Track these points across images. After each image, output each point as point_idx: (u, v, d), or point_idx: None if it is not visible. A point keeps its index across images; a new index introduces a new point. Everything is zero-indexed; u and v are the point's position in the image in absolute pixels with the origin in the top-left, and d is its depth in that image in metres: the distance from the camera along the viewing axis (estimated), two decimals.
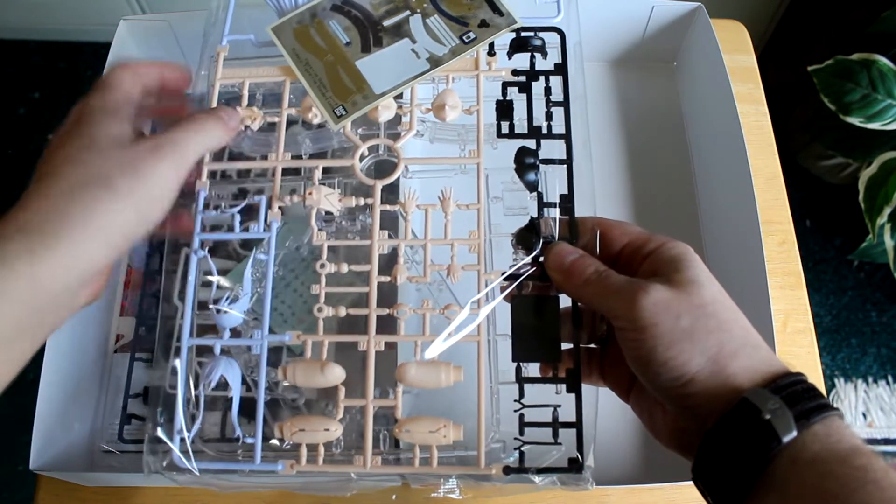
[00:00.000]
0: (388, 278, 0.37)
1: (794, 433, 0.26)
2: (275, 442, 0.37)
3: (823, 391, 0.54)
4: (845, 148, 1.15)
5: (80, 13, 1.46)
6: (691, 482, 0.30)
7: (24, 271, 0.27)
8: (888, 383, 1.28)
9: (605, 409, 0.36)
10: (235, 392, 0.38)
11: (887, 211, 1.01)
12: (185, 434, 0.36)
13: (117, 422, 0.51)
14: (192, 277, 0.38)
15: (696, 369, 0.29)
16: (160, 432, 0.37)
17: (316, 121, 0.40)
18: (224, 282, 0.39)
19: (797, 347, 0.56)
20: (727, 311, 0.30)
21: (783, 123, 1.31)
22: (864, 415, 1.25)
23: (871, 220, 1.03)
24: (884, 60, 1.01)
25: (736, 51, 0.67)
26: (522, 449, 0.35)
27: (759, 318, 0.49)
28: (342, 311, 0.37)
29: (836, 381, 1.28)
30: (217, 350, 0.38)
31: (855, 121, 1.02)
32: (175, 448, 0.36)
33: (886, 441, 1.24)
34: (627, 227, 0.35)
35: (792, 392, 0.28)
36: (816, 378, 0.55)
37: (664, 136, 0.64)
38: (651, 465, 0.51)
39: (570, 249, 0.35)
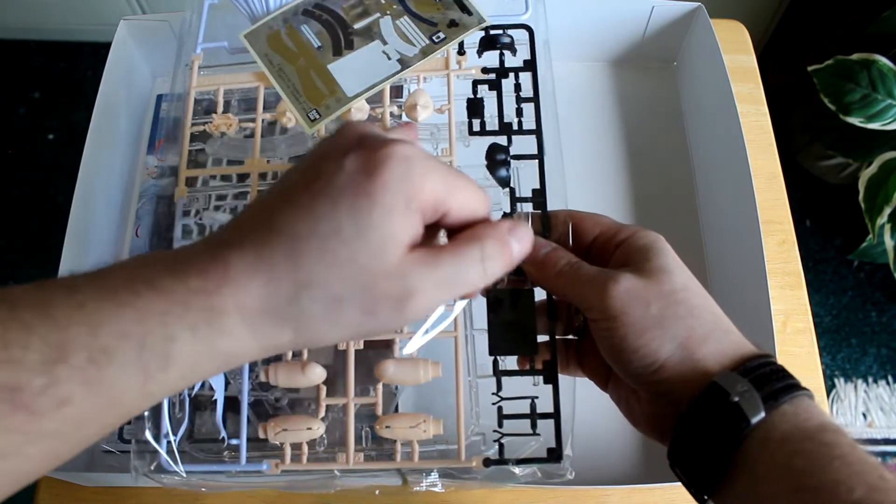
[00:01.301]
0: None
1: (762, 414, 0.27)
2: (262, 438, 0.37)
3: (824, 391, 0.55)
4: (845, 148, 1.15)
5: (80, 13, 1.46)
6: None
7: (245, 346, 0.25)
8: (888, 383, 1.28)
9: (605, 408, 0.36)
10: (219, 394, 0.38)
11: (887, 211, 1.01)
12: (172, 437, 0.37)
13: None
14: None
15: (666, 355, 0.29)
16: (148, 435, 0.37)
17: (290, 125, 0.41)
18: None
19: (797, 347, 0.56)
20: (697, 297, 0.30)
21: (783, 123, 1.30)
22: (864, 415, 1.25)
23: (871, 220, 1.03)
24: (884, 60, 1.01)
25: (736, 51, 0.67)
26: (502, 441, 0.36)
27: (759, 318, 0.49)
28: None
29: (836, 381, 1.28)
30: None
31: (855, 121, 1.02)
32: (162, 451, 0.36)
33: (886, 441, 1.24)
34: (599, 218, 0.35)
35: (760, 374, 0.28)
36: (816, 378, 0.55)
37: (664, 136, 0.64)
38: (651, 465, 0.51)
39: (542, 243, 0.35)
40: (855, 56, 1.03)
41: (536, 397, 0.35)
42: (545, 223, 0.37)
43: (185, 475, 0.37)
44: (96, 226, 0.56)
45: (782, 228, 0.60)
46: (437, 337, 0.36)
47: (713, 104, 0.59)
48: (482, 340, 0.36)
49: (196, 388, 0.37)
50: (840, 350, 1.30)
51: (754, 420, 0.27)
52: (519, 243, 0.29)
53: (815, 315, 0.64)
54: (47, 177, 1.42)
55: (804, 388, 0.28)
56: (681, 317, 0.29)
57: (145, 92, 0.65)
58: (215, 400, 0.38)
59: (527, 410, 0.35)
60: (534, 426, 0.35)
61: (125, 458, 0.50)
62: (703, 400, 0.28)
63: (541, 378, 0.35)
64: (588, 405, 0.36)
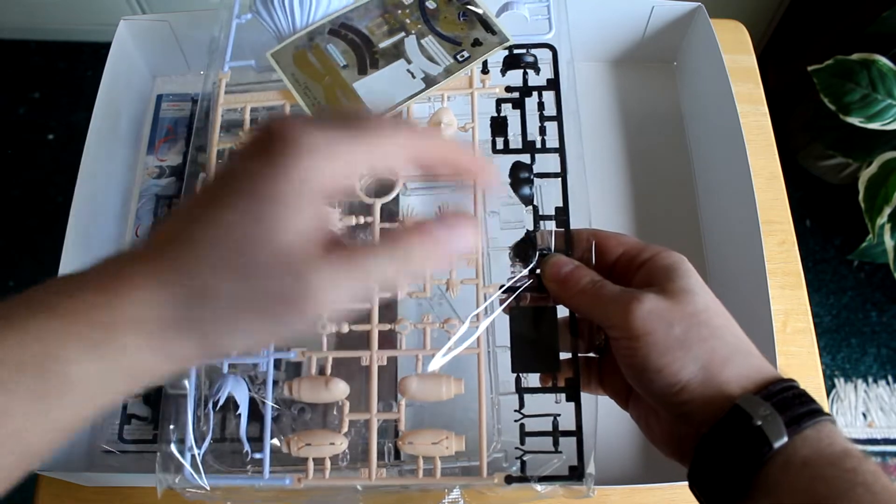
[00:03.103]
0: (388, 294, 0.38)
1: (785, 438, 0.27)
2: (277, 445, 0.37)
3: (823, 392, 0.55)
4: (845, 148, 1.15)
5: (80, 13, 1.46)
6: None
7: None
8: (888, 383, 1.28)
9: (606, 409, 0.36)
10: (243, 410, 0.38)
11: (887, 211, 1.01)
12: (196, 450, 0.37)
13: (117, 422, 0.51)
14: None
15: (689, 377, 0.29)
16: (173, 448, 0.37)
17: None
18: None
19: (797, 347, 0.56)
20: (719, 318, 0.31)
21: (783, 123, 1.30)
22: (864, 415, 1.25)
23: (871, 220, 1.03)
24: (884, 60, 1.01)
25: (736, 51, 0.67)
26: (524, 458, 0.36)
27: (759, 318, 0.49)
28: (345, 328, 0.38)
29: (836, 381, 1.28)
30: (224, 368, 0.38)
31: (855, 121, 1.02)
32: (186, 465, 0.37)
33: (886, 441, 1.24)
34: (622, 237, 0.36)
35: (783, 398, 0.28)
36: (816, 378, 0.55)
37: (664, 136, 0.64)
38: (651, 465, 0.51)
39: (565, 261, 0.35)
40: (855, 56, 1.03)
41: (559, 415, 0.36)
42: (568, 241, 0.37)
43: (208, 488, 0.37)
44: (96, 226, 0.56)
45: (782, 228, 0.60)
46: (461, 354, 0.37)
47: (713, 104, 0.59)
48: (505, 357, 0.37)
49: (220, 402, 0.38)
50: (840, 350, 1.30)
51: (777, 444, 0.27)
52: (451, 229, 0.25)
53: (815, 315, 0.64)
54: (47, 177, 1.42)
55: (827, 414, 0.28)
56: (703, 338, 0.29)
57: (145, 92, 0.65)
58: (239, 414, 0.38)
59: (549, 428, 0.36)
60: (556, 444, 0.35)
61: (125, 458, 0.50)
62: (725, 422, 0.28)
63: (563, 395, 0.35)
64: (587, 406, 0.36)
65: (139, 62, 0.63)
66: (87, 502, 0.50)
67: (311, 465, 0.37)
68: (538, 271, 0.36)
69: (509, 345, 0.36)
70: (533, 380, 0.36)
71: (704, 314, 0.30)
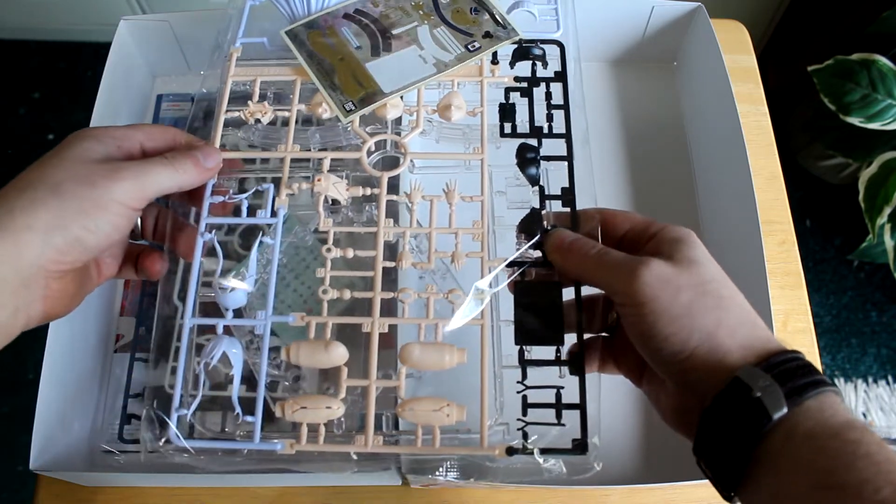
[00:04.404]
0: (392, 264, 0.38)
1: (784, 410, 0.26)
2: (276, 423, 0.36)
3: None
4: (845, 148, 1.15)
5: (80, 13, 1.46)
6: (691, 482, 0.30)
7: None
8: (888, 383, 1.28)
9: (605, 409, 0.36)
10: (237, 370, 0.37)
11: (887, 211, 1.01)
12: (184, 411, 0.36)
13: (117, 422, 0.51)
14: (197, 255, 0.38)
15: (694, 345, 0.29)
16: (156, 409, 0.36)
17: (325, 116, 0.41)
18: (231, 281, 0.38)
19: (797, 347, 0.56)
20: (726, 289, 0.31)
21: (783, 123, 1.31)
22: (864, 415, 1.25)
23: (871, 220, 1.03)
24: (884, 60, 1.01)
25: (736, 51, 0.67)
26: (526, 430, 0.35)
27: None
28: (347, 294, 0.37)
29: (836, 381, 1.28)
30: (220, 330, 0.37)
31: (855, 121, 1.02)
32: (172, 425, 0.35)
33: (886, 441, 1.23)
34: (629, 214, 0.36)
35: (784, 369, 0.28)
36: None
37: (664, 136, 0.64)
38: (651, 465, 0.51)
39: (569, 233, 0.35)
40: (855, 56, 1.03)
41: (562, 387, 0.35)
42: (574, 220, 0.37)
43: (193, 451, 0.35)
44: None
45: (782, 228, 0.60)
46: (465, 325, 0.36)
47: (713, 104, 0.59)
48: (508, 332, 0.37)
49: (213, 363, 0.36)
50: (840, 350, 1.30)
51: (776, 416, 0.26)
52: (203, 155, 0.37)
53: (815, 315, 0.64)
54: None
55: (830, 384, 0.28)
56: (709, 308, 0.30)
57: (145, 92, 0.65)
58: (232, 375, 0.37)
59: (552, 401, 0.35)
60: (559, 416, 0.35)
61: (125, 458, 0.50)
62: (726, 394, 0.28)
63: (567, 370, 0.35)
64: (591, 382, 0.36)
65: (139, 62, 0.63)
66: (87, 502, 0.50)
67: (304, 430, 0.35)
68: (543, 248, 0.36)
69: (513, 318, 0.36)
70: (536, 353, 0.36)
71: (711, 284, 0.30)
